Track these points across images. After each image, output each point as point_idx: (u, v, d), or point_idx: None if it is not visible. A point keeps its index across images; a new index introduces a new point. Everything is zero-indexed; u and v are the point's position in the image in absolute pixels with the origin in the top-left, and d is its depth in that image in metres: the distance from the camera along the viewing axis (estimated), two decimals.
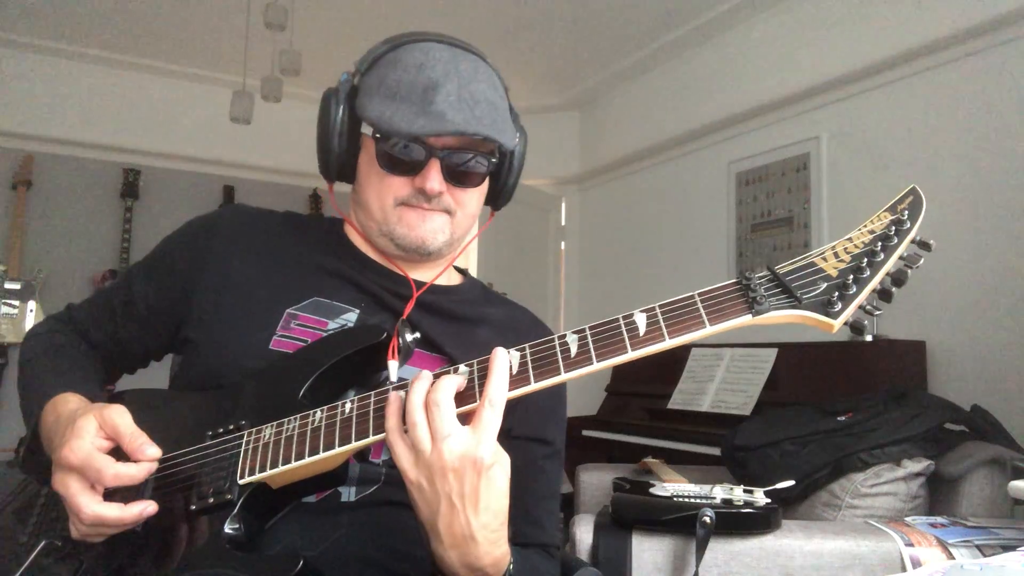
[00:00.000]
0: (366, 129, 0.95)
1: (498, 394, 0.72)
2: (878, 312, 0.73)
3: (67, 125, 4.39)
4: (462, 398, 0.74)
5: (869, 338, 2.57)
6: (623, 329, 0.73)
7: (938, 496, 1.80)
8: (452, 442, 0.70)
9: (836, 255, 0.75)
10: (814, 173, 3.22)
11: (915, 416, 1.82)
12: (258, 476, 0.78)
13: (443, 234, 0.97)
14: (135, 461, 0.79)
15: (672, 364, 3.16)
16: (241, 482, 0.78)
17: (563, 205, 4.99)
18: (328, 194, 1.03)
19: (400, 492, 0.85)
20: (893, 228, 0.74)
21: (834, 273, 0.73)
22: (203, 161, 4.75)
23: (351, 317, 0.96)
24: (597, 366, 0.73)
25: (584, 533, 1.54)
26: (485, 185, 1.02)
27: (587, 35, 4.02)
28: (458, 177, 0.95)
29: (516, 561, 0.78)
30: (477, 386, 0.75)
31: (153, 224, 4.47)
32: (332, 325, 0.94)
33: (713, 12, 3.65)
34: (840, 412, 1.93)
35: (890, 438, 1.76)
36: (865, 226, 0.76)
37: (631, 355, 0.72)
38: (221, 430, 0.84)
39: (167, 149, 4.64)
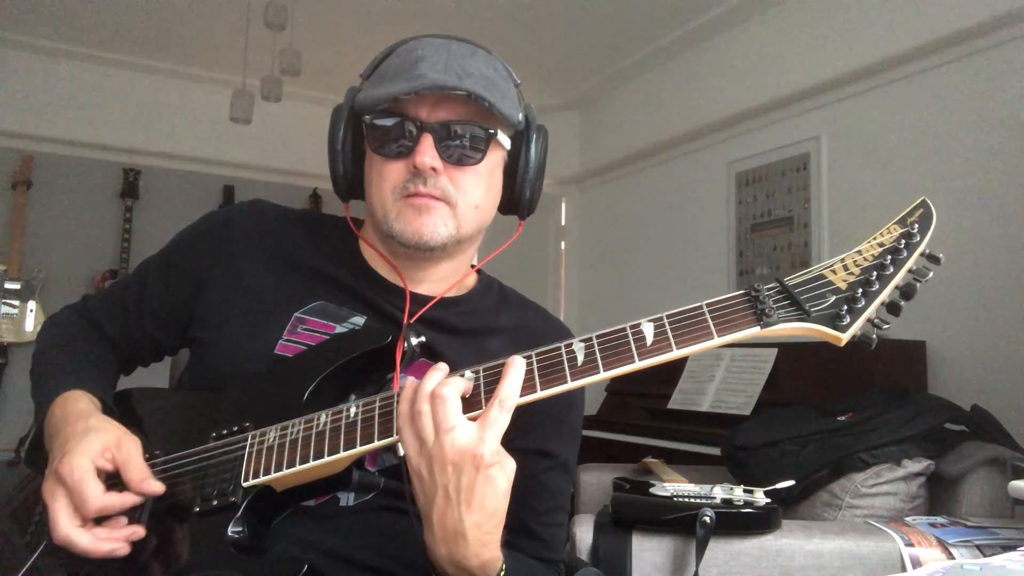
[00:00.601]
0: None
1: (510, 396, 0.72)
2: (887, 326, 0.72)
3: (67, 125, 4.38)
4: (467, 404, 0.73)
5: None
6: (630, 338, 0.73)
7: (938, 496, 1.80)
8: (455, 435, 0.70)
9: (846, 267, 0.74)
10: (814, 173, 3.21)
11: (915, 416, 1.82)
12: (262, 479, 0.78)
13: (445, 227, 0.90)
14: (133, 491, 0.79)
15: (672, 364, 3.14)
16: (245, 485, 0.78)
17: (563, 205, 4.99)
18: (330, 195, 1.01)
19: (399, 499, 0.85)
20: (903, 241, 0.74)
21: (843, 286, 0.73)
22: (203, 161, 4.75)
23: (359, 321, 0.94)
24: (604, 375, 0.73)
25: (584, 533, 1.54)
26: (492, 175, 0.94)
27: (587, 35, 4.02)
28: (455, 154, 0.89)
29: (510, 569, 0.77)
30: (483, 393, 0.74)
31: (153, 224, 4.47)
32: (339, 330, 0.93)
33: (713, 12, 3.65)
34: (840, 412, 1.93)
35: (890, 438, 1.76)
36: (875, 239, 0.76)
37: (638, 365, 0.73)
38: (225, 431, 0.84)
39: (167, 149, 4.64)
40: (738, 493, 1.48)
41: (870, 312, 0.71)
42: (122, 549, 0.77)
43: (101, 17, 3.97)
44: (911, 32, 2.80)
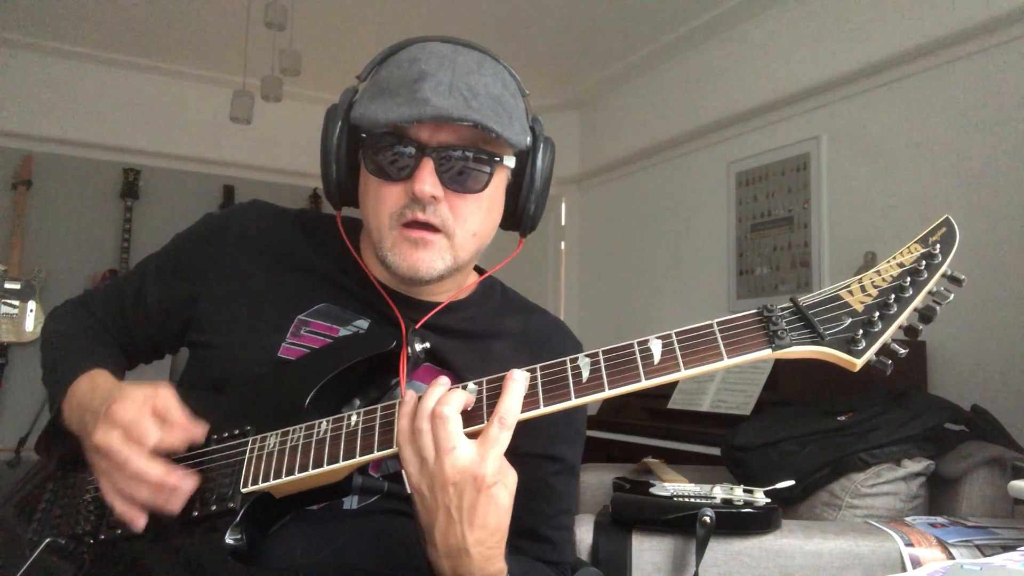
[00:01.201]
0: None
1: (510, 414, 0.70)
2: (903, 352, 0.69)
3: (67, 125, 4.39)
4: (468, 418, 0.72)
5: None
6: (637, 356, 0.72)
7: (938, 496, 1.80)
8: (456, 456, 0.69)
9: (863, 288, 0.71)
10: (814, 173, 3.22)
11: (915, 416, 1.82)
12: (262, 486, 0.77)
13: (442, 261, 0.86)
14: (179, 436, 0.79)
15: None
16: (244, 491, 0.77)
17: (563, 205, 4.99)
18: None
19: (402, 503, 0.84)
20: (924, 262, 0.70)
21: (859, 308, 0.70)
22: (203, 161, 4.75)
23: (362, 324, 0.93)
24: (608, 393, 0.71)
25: (584, 533, 1.54)
26: (493, 199, 0.90)
27: (587, 35, 4.02)
28: (456, 181, 0.84)
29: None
30: (485, 407, 0.73)
31: (153, 224, 4.48)
32: (343, 332, 0.92)
33: (713, 12, 3.65)
34: (840, 412, 1.93)
35: (890, 438, 1.76)
36: (894, 258, 0.72)
37: (644, 384, 0.71)
38: (226, 435, 0.83)
39: (167, 149, 4.64)
40: (738, 493, 1.48)
41: (886, 337, 0.68)
42: (187, 484, 0.76)
43: (101, 17, 3.97)
44: (911, 32, 2.81)
